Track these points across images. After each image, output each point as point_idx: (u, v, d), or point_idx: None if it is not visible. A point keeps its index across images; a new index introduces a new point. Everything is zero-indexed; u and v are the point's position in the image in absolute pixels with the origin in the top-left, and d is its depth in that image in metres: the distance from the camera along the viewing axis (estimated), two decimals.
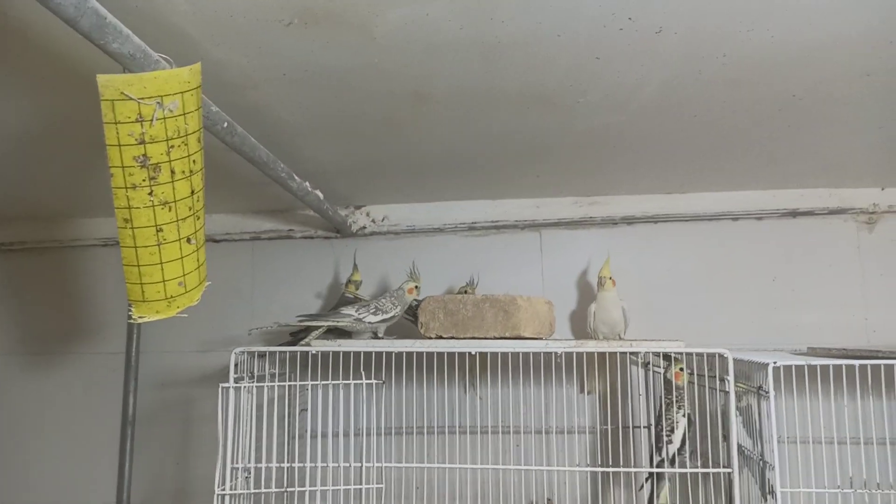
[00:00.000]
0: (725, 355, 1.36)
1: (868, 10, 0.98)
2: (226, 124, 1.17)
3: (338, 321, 1.68)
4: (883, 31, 1.04)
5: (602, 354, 1.79)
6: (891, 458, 1.41)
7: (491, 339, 1.56)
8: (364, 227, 2.18)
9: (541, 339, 1.58)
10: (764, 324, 2.00)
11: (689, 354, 1.48)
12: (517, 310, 1.53)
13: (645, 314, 2.00)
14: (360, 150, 1.65)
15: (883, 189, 2.01)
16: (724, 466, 1.37)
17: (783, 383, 1.38)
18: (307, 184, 1.64)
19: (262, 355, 1.42)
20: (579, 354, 1.69)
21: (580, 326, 2.06)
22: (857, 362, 1.33)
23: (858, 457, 1.69)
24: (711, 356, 1.43)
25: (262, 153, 1.34)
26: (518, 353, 1.44)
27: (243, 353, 1.38)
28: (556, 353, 1.44)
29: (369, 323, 1.73)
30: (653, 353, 1.54)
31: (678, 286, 2.05)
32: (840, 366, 1.33)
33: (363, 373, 1.49)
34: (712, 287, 2.04)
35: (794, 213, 2.03)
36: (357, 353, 1.49)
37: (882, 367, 1.32)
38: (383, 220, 2.19)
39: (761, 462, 1.35)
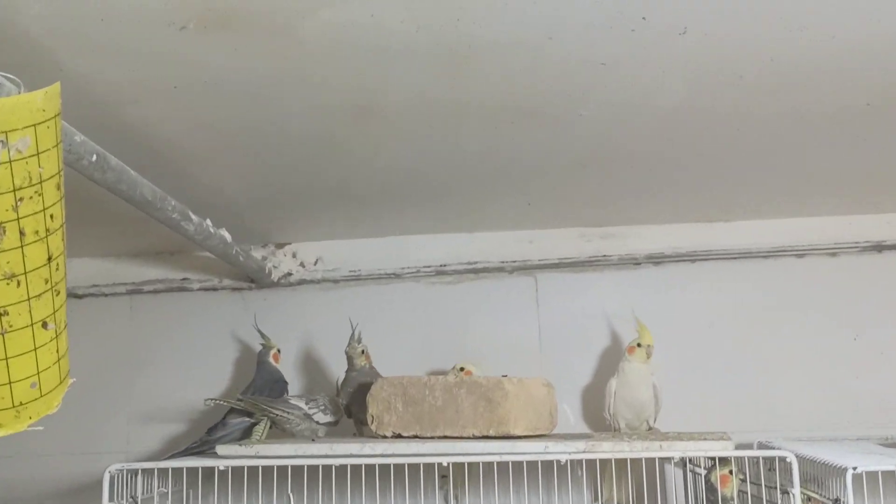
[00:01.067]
0: (788, 459, 1.42)
1: None
2: (94, 157, 1.21)
3: (286, 413, 1.74)
4: None
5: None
6: None
7: (470, 438, 1.60)
8: (289, 274, 2.22)
9: (538, 436, 1.63)
10: (841, 400, 2.08)
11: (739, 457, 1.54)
12: (504, 397, 1.58)
13: (677, 388, 2.06)
14: (280, 176, 1.70)
15: None
16: None
17: (866, 491, 1.44)
18: (208, 222, 1.68)
19: (148, 471, 1.45)
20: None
21: (592, 410, 2.11)
22: None
23: None
24: (770, 458, 1.49)
25: (145, 190, 1.38)
26: (507, 461, 1.48)
27: (121, 470, 1.40)
28: (558, 462, 1.49)
29: (318, 424, 1.79)
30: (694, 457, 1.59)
31: (722, 347, 2.13)
32: None
33: (291, 495, 1.52)
34: (768, 348, 2.12)
35: (881, 247, 2.13)
36: (283, 467, 1.52)
37: None
38: (316, 263, 2.24)
39: None
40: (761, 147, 1.60)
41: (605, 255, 2.18)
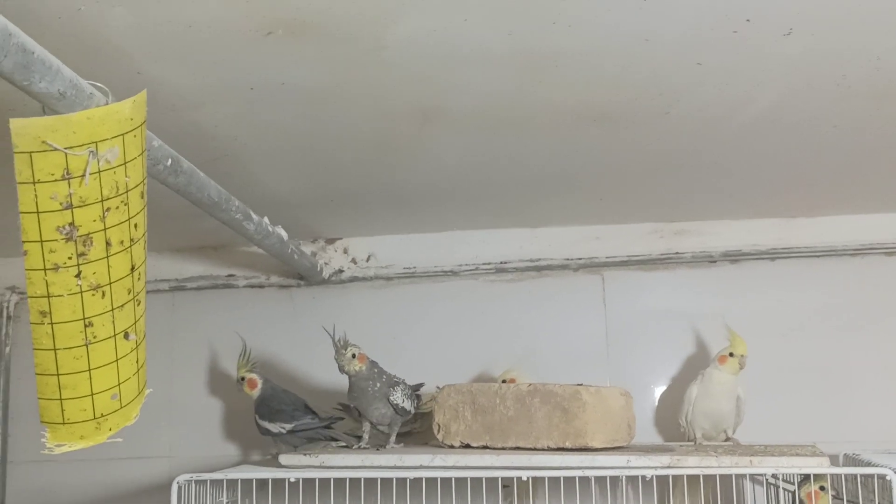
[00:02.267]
0: (889, 478, 1.48)
1: None
2: (170, 162, 1.29)
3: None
4: None
5: None
6: None
7: (544, 450, 1.66)
8: (340, 271, 2.30)
9: (616, 447, 1.68)
10: None
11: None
12: (582, 408, 1.63)
13: (754, 394, 2.11)
14: (339, 175, 1.79)
15: None
16: None
17: None
18: (266, 221, 1.76)
19: (217, 482, 1.53)
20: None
21: (663, 417, 2.18)
22: None
23: None
24: (867, 476, 1.54)
25: (212, 192, 1.46)
26: (588, 476, 1.54)
27: (190, 481, 1.48)
28: (643, 477, 1.54)
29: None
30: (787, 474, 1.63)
31: (803, 352, 2.18)
32: None
33: None
34: (853, 353, 2.17)
35: None
36: (355, 479, 1.58)
37: None
38: (368, 259, 2.31)
39: None
40: (858, 147, 1.66)
41: (677, 253, 2.23)
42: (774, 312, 2.21)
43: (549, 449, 1.65)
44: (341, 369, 1.84)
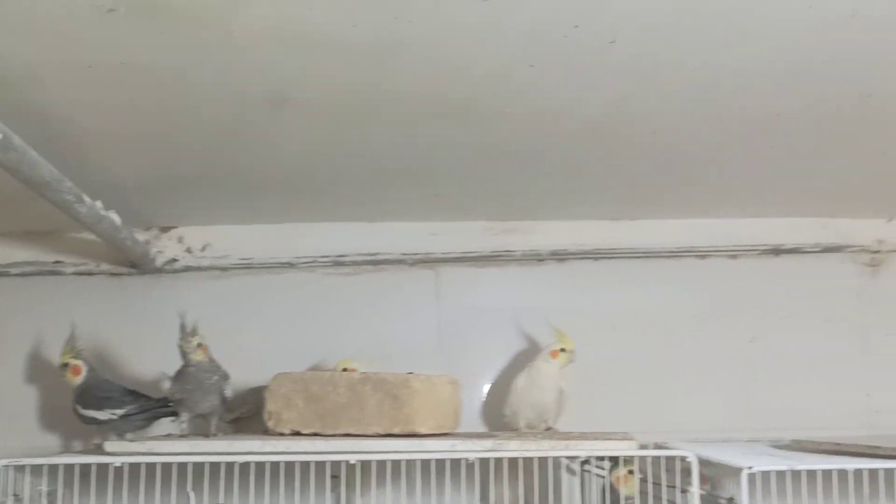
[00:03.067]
0: (689, 459, 1.58)
1: (864, 28, 1.23)
2: (0, 136, 1.25)
3: None
4: (883, 50, 1.31)
5: None
6: None
7: (373, 437, 1.69)
8: (174, 260, 2.26)
9: (443, 434, 1.73)
10: (738, 402, 2.28)
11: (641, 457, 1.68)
12: (411, 395, 1.68)
13: (579, 389, 2.21)
14: (180, 159, 1.76)
15: (890, 220, 2.36)
16: None
17: (760, 491, 1.61)
18: (99, 205, 1.72)
19: (36, 469, 1.48)
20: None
21: (491, 408, 2.25)
22: (851, 466, 1.58)
23: None
24: (670, 459, 1.65)
25: (44, 171, 1.42)
26: (415, 459, 1.59)
27: (9, 466, 1.43)
28: (466, 460, 1.60)
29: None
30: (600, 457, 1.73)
31: (623, 348, 2.30)
32: (830, 471, 1.58)
33: (191, 493, 1.58)
34: (667, 349, 2.30)
35: (778, 251, 2.34)
36: (183, 466, 1.57)
37: (882, 472, 1.58)
38: (203, 249, 2.28)
39: None
40: (674, 153, 1.77)
41: (508, 250, 2.31)
42: (596, 309, 2.31)
43: (379, 435, 1.68)
44: (185, 357, 1.82)
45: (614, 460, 1.78)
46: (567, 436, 1.85)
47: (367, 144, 1.70)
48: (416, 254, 2.30)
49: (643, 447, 1.99)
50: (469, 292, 2.33)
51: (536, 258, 2.33)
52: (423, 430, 1.67)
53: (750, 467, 1.54)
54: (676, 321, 2.32)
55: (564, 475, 2.13)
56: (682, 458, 1.59)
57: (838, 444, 1.77)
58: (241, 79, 1.37)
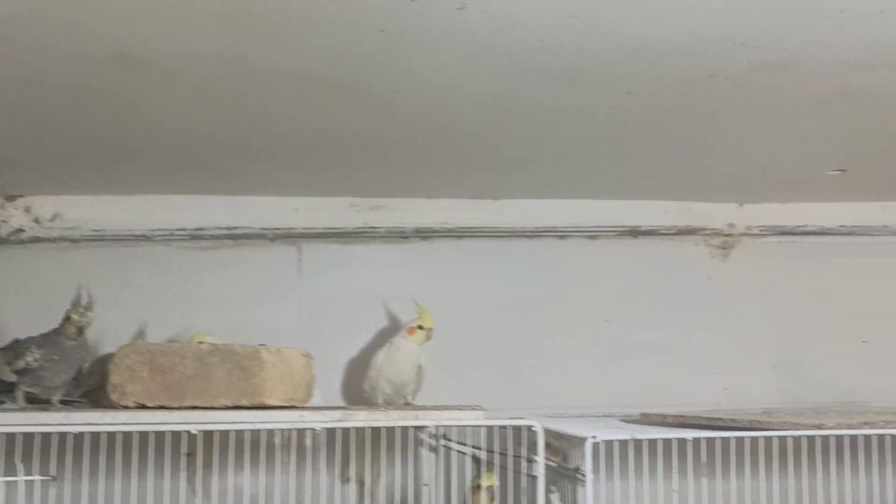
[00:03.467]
0: (535, 428, 1.60)
1: (711, 9, 1.25)
2: None
3: None
4: (728, 32, 1.33)
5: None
6: None
7: (221, 409, 1.65)
8: (20, 230, 2.16)
9: (294, 407, 1.71)
10: (595, 379, 2.33)
11: (490, 428, 1.70)
12: (261, 366, 1.65)
13: (437, 365, 2.21)
14: (24, 127, 1.68)
15: (741, 205, 2.44)
16: None
17: (604, 460, 1.65)
18: None
19: None
20: (345, 429, 1.84)
21: (353, 385, 2.23)
22: (690, 435, 1.64)
23: None
24: (518, 429, 1.67)
25: None
26: (259, 429, 1.57)
27: None
28: (314, 430, 1.59)
29: None
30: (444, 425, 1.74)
31: (485, 326, 2.31)
32: (670, 440, 1.64)
33: (20, 464, 1.52)
34: (528, 328, 2.33)
35: (636, 232, 2.40)
36: (11, 435, 1.51)
37: (719, 441, 1.65)
38: (53, 219, 2.19)
39: None
40: (528, 130, 1.76)
41: (373, 227, 2.29)
42: (460, 288, 2.32)
43: (227, 407, 1.65)
44: (75, 329, 1.79)
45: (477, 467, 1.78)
46: (416, 408, 1.86)
47: (227, 116, 1.65)
48: (277, 229, 2.26)
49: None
50: (333, 269, 2.30)
51: (401, 236, 2.32)
52: (272, 402, 1.65)
53: (594, 436, 1.57)
54: (537, 300, 2.35)
55: (425, 453, 2.13)
56: (529, 428, 1.61)
57: (682, 416, 1.83)
58: (90, 36, 1.29)
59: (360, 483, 2.13)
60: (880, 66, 1.45)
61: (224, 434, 1.85)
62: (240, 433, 1.74)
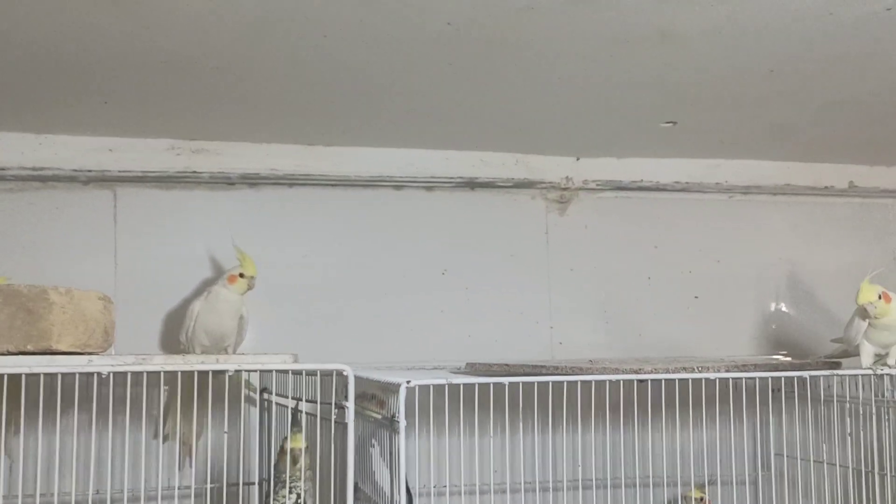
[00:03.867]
0: (346, 373, 1.54)
1: None
2: None
3: None
4: None
5: (189, 376, 1.85)
6: None
7: (3, 354, 1.53)
8: None
9: (89, 354, 1.59)
10: (429, 333, 2.29)
11: (297, 373, 1.63)
12: (48, 309, 1.52)
13: (263, 316, 2.14)
14: None
15: (578, 159, 2.42)
16: None
17: (418, 406, 1.60)
18: None
19: None
20: (151, 378, 1.73)
21: (172, 336, 2.12)
22: (507, 380, 1.61)
23: None
24: (329, 374, 1.60)
25: None
26: (38, 373, 1.46)
27: None
28: (100, 374, 1.48)
29: None
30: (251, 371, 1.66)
31: (315, 277, 2.24)
32: (487, 385, 1.61)
33: None
34: (362, 280, 2.27)
35: (473, 184, 2.35)
36: None
37: (536, 385, 1.63)
38: None
39: None
40: (352, 66, 1.67)
41: (195, 172, 2.17)
42: (289, 237, 2.24)
43: (10, 353, 1.52)
44: None
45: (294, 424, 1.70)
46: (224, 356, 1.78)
47: (19, 29, 1.48)
48: (90, 171, 2.11)
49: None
50: (152, 216, 2.17)
51: (227, 182, 2.21)
52: (62, 348, 1.52)
53: (408, 381, 1.52)
54: (370, 251, 2.29)
55: (245, 407, 2.05)
56: (339, 373, 1.55)
57: (507, 365, 1.81)
58: None
59: (184, 443, 2.02)
60: (695, 3, 1.42)
61: (15, 383, 1.70)
62: (15, 377, 1.58)
